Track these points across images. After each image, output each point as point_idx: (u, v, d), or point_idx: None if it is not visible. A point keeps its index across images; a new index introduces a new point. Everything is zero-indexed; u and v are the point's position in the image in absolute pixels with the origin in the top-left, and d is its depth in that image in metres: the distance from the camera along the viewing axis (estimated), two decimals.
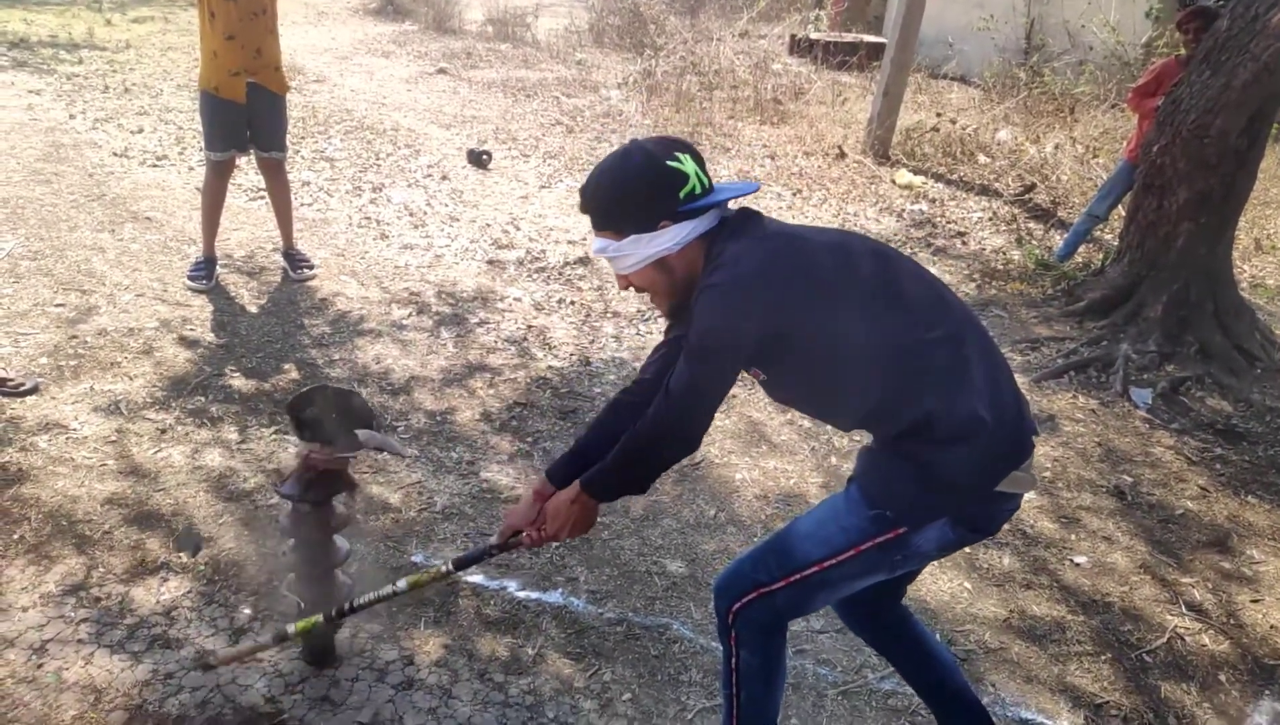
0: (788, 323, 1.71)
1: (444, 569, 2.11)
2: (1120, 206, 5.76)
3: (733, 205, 1.88)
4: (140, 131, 6.72)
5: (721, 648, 2.00)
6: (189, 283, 4.46)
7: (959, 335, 1.78)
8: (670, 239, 1.78)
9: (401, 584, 2.13)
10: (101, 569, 2.68)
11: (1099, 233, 6.36)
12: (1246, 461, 3.87)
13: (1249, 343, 4.75)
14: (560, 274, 5.11)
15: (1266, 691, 2.68)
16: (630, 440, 1.82)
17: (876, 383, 1.75)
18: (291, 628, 2.22)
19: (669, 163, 1.77)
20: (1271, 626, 2.93)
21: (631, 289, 1.91)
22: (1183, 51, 5.25)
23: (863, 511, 1.80)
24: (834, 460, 3.61)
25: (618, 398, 2.05)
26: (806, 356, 1.76)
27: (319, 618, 2.20)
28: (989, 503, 1.79)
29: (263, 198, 5.53)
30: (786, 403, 1.95)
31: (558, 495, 1.95)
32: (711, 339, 1.71)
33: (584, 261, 5.28)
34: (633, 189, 1.78)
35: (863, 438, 3.72)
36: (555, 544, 1.99)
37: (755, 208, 1.89)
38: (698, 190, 1.79)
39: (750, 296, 1.69)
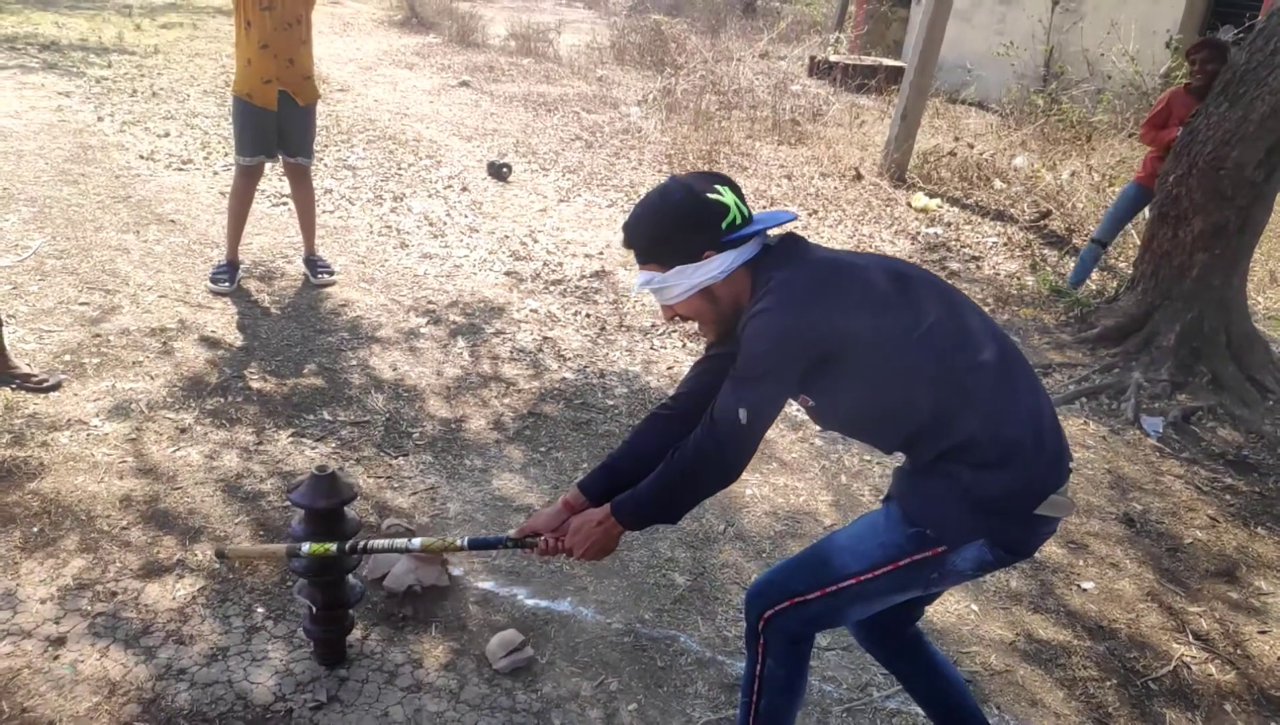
0: (837, 347, 1.73)
1: (458, 543, 2.15)
2: (1134, 232, 5.77)
3: (774, 233, 1.91)
4: (166, 135, 6.82)
5: (747, 654, 2.02)
6: (211, 285, 4.52)
7: (1005, 360, 1.81)
8: (715, 268, 1.81)
9: (416, 542, 2.19)
10: (118, 564, 2.72)
11: (1114, 261, 6.37)
12: (1256, 493, 3.87)
13: (1261, 374, 4.75)
14: (576, 287, 5.15)
15: (1273, 723, 2.68)
16: (669, 468, 1.84)
17: (924, 406, 1.76)
18: (306, 547, 2.24)
19: (709, 195, 1.80)
20: (1278, 658, 2.93)
21: (677, 319, 1.94)
22: (1189, 81, 5.30)
23: (902, 529, 1.82)
24: (844, 479, 3.63)
25: (655, 412, 2.07)
26: (856, 379, 1.77)
27: (334, 546, 2.23)
28: (1027, 525, 1.80)
29: (285, 204, 5.61)
30: (833, 428, 1.96)
31: (587, 513, 1.98)
32: (762, 365, 1.73)
33: (600, 275, 5.33)
34: (676, 222, 1.81)
35: (873, 458, 3.73)
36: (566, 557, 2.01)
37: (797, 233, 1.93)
38: (738, 220, 1.82)
39: (800, 321, 1.72)
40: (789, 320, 1.72)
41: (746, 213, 1.85)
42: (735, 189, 1.85)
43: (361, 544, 2.23)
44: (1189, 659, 2.87)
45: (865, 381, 1.77)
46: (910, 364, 1.75)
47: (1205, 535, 3.54)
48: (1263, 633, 3.04)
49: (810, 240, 1.92)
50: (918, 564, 1.80)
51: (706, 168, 7.36)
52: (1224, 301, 4.82)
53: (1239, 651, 2.94)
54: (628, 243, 1.89)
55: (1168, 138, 5.16)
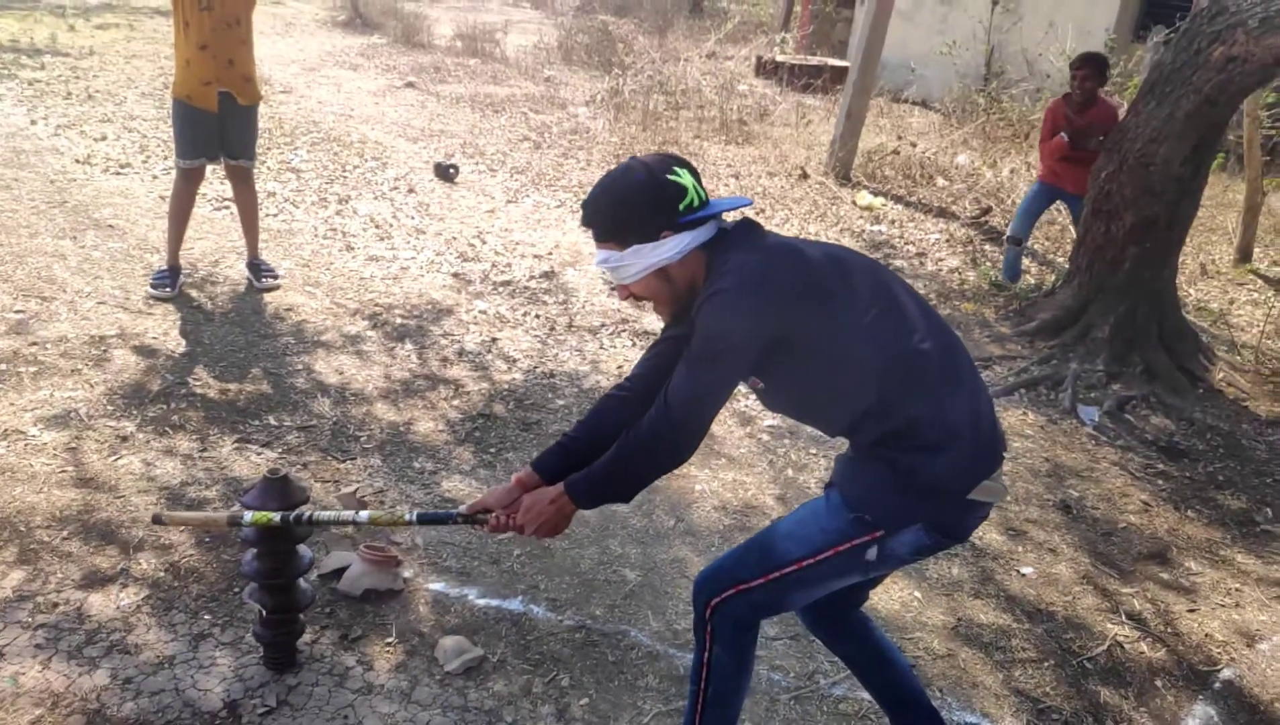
0: (790, 329, 1.78)
1: (406, 518, 2.15)
2: (1073, 228, 5.93)
3: (730, 218, 1.95)
4: (104, 139, 6.69)
5: (696, 642, 2.05)
6: (152, 291, 4.45)
7: (948, 349, 1.87)
8: (671, 249, 1.84)
9: (363, 515, 2.19)
10: (59, 575, 2.67)
11: (1054, 257, 6.54)
12: (1187, 477, 4.01)
13: (1192, 363, 4.92)
14: (525, 288, 5.16)
15: (1200, 697, 2.79)
16: (622, 448, 1.87)
17: (871, 388, 1.81)
18: (248, 516, 2.20)
19: (668, 176, 1.84)
20: (1206, 635, 3.05)
21: (632, 298, 1.97)
22: (1069, 92, 5.58)
23: (843, 514, 1.87)
24: (790, 472, 3.69)
25: (611, 392, 2.10)
26: (805, 363, 1.82)
27: (276, 516, 2.20)
28: (962, 509, 1.86)
29: (227, 207, 5.53)
30: (780, 410, 2.02)
31: (541, 491, 2.00)
32: (717, 345, 1.77)
33: (549, 276, 5.34)
34: (634, 201, 1.84)
35: (819, 452, 3.80)
36: (516, 535, 2.02)
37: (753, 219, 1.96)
38: (696, 203, 1.85)
39: (755, 302, 1.76)
40: (744, 302, 1.75)
41: (703, 196, 1.88)
42: (693, 172, 1.88)
43: (306, 515, 2.20)
44: (1122, 638, 2.97)
45: (815, 365, 1.82)
46: (859, 349, 1.81)
47: (1138, 519, 3.66)
48: (1192, 611, 3.16)
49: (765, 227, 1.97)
50: (857, 549, 1.85)
51: None
52: (1156, 294, 4.98)
53: (1169, 630, 3.05)
54: (586, 221, 1.92)
55: (1056, 146, 5.51)
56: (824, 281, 1.82)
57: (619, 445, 1.88)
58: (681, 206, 1.83)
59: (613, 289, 5.24)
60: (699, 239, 1.86)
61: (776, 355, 1.80)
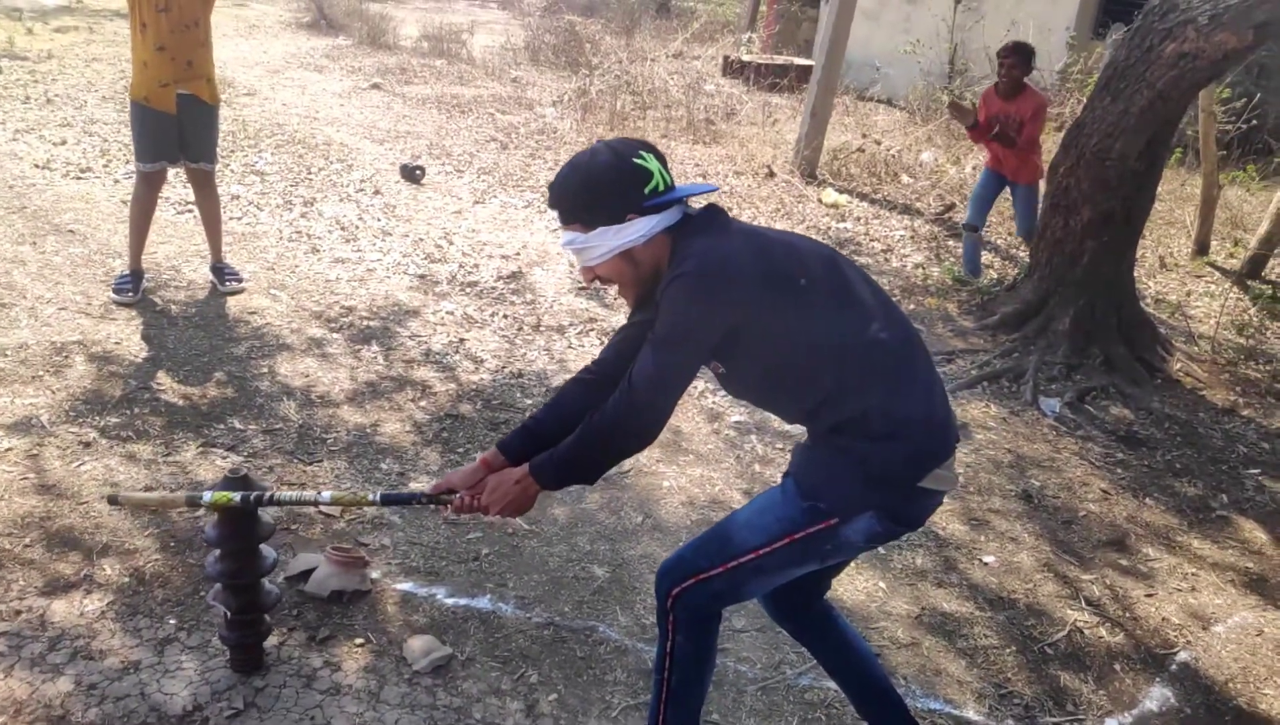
0: (752, 314, 1.80)
1: (370, 498, 2.14)
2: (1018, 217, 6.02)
3: (696, 204, 1.98)
4: (64, 143, 6.60)
5: (659, 632, 2.08)
6: (114, 296, 4.41)
7: (907, 341, 1.91)
8: (637, 231, 1.86)
9: (326, 495, 2.19)
10: (21, 583, 2.65)
11: (1016, 252, 6.64)
12: (1145, 466, 4.10)
13: (1150, 355, 5.02)
14: (492, 288, 5.16)
15: (1158, 679, 2.85)
16: (587, 430, 1.88)
17: (829, 376, 1.84)
18: (208, 496, 2.18)
19: (635, 160, 1.86)
20: (1163, 619, 3.12)
21: (597, 281, 1.98)
22: (998, 82, 5.73)
23: (798, 503, 1.90)
24: (757, 468, 3.73)
25: (577, 375, 2.12)
26: (766, 348, 1.85)
27: (236, 495, 2.18)
28: (913, 498, 1.89)
29: (191, 211, 5.48)
30: (739, 395, 2.04)
31: (506, 471, 2.01)
32: (681, 328, 1.79)
33: (516, 276, 5.35)
34: (601, 183, 1.85)
35: (785, 447, 3.83)
36: (480, 518, 2.04)
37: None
38: (661, 187, 1.87)
39: (720, 286, 1.78)
40: (708, 286, 1.77)
41: (669, 180, 1.90)
42: (660, 157, 1.90)
43: (267, 495, 2.19)
44: (1082, 624, 3.03)
45: (775, 351, 1.85)
46: (819, 337, 1.84)
47: (1098, 507, 3.74)
48: (1149, 596, 3.22)
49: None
50: (812, 537, 1.88)
51: None
52: (1114, 286, 5.07)
53: (1128, 614, 3.12)
54: (552, 202, 1.93)
55: (973, 136, 5.77)
56: (787, 269, 1.85)
57: (583, 428, 1.89)
58: (647, 190, 1.85)
59: (580, 289, 5.26)
60: (664, 223, 1.88)
61: (738, 341, 1.83)
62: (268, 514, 2.39)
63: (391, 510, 3.19)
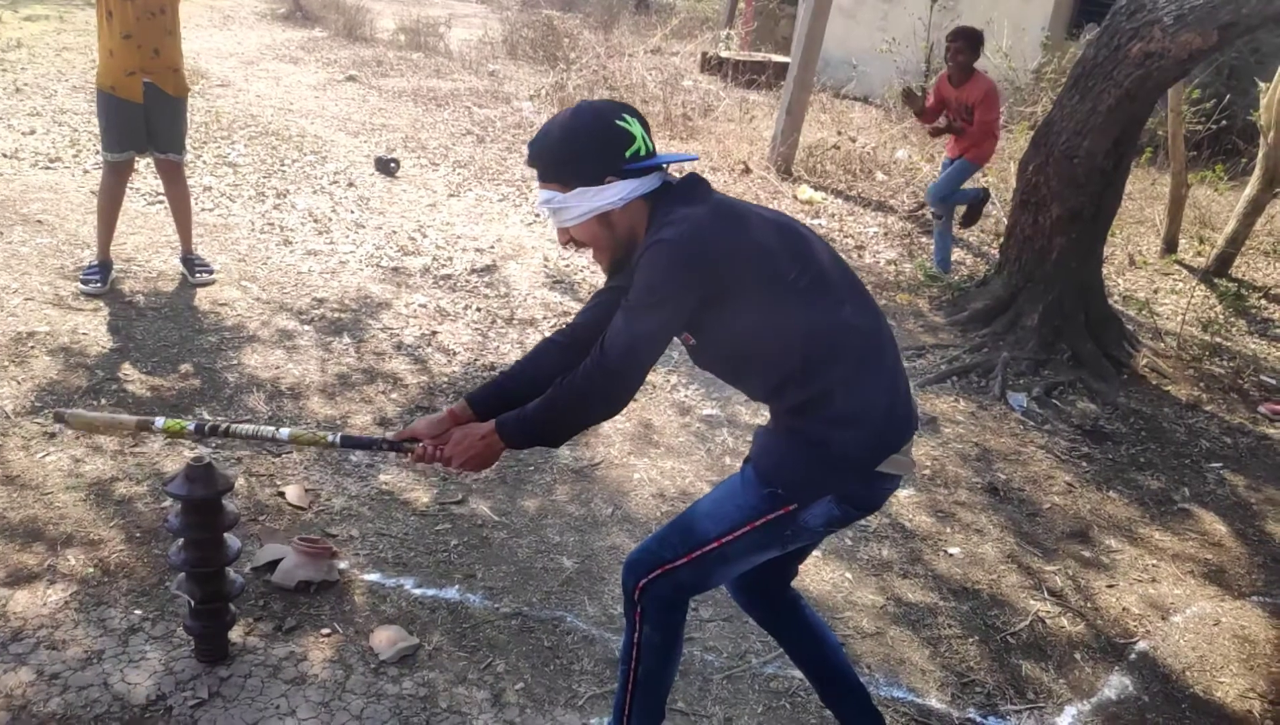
0: (726, 285, 1.79)
1: (330, 439, 2.09)
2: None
3: (677, 174, 1.98)
4: (32, 133, 6.53)
5: (626, 623, 2.09)
6: (82, 287, 4.37)
7: (874, 326, 1.92)
8: (615, 194, 1.84)
9: (284, 432, 2.13)
10: None
11: (987, 249, 6.70)
12: (1110, 459, 4.15)
13: (1117, 350, 5.09)
14: (466, 281, 5.16)
15: (1117, 667, 2.90)
16: (557, 393, 1.87)
17: (797, 354, 1.84)
18: (160, 422, 2.13)
19: (617, 121, 1.85)
20: (1124, 609, 3.17)
21: (572, 245, 1.96)
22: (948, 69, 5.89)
23: (757, 489, 1.91)
24: (728, 460, 3.75)
25: (550, 337, 2.11)
26: (737, 321, 1.84)
27: (190, 425, 2.13)
28: (870, 482, 1.91)
29: (161, 202, 5.43)
30: (708, 367, 2.03)
31: (472, 425, 2.00)
32: (655, 294, 1.77)
33: (490, 269, 5.34)
34: (582, 142, 1.84)
35: (752, 432, 3.84)
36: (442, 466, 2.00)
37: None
38: (643, 152, 1.86)
39: (695, 255, 1.76)
40: (684, 254, 1.76)
41: (651, 147, 1.89)
42: (643, 122, 1.89)
43: (224, 426, 2.12)
44: (1044, 614, 3.08)
45: (747, 324, 1.84)
46: (791, 314, 1.83)
47: (1062, 500, 3.79)
48: (1111, 587, 3.27)
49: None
50: (772, 523, 1.90)
51: None
52: (1082, 283, 5.13)
53: (1089, 605, 3.17)
54: (531, 159, 1.91)
55: (934, 119, 6.00)
56: (764, 242, 1.85)
57: (554, 390, 1.88)
58: (628, 153, 1.84)
59: (554, 282, 5.26)
60: (643, 188, 1.87)
61: (711, 311, 1.82)
62: (232, 503, 2.38)
63: (360, 503, 3.18)
